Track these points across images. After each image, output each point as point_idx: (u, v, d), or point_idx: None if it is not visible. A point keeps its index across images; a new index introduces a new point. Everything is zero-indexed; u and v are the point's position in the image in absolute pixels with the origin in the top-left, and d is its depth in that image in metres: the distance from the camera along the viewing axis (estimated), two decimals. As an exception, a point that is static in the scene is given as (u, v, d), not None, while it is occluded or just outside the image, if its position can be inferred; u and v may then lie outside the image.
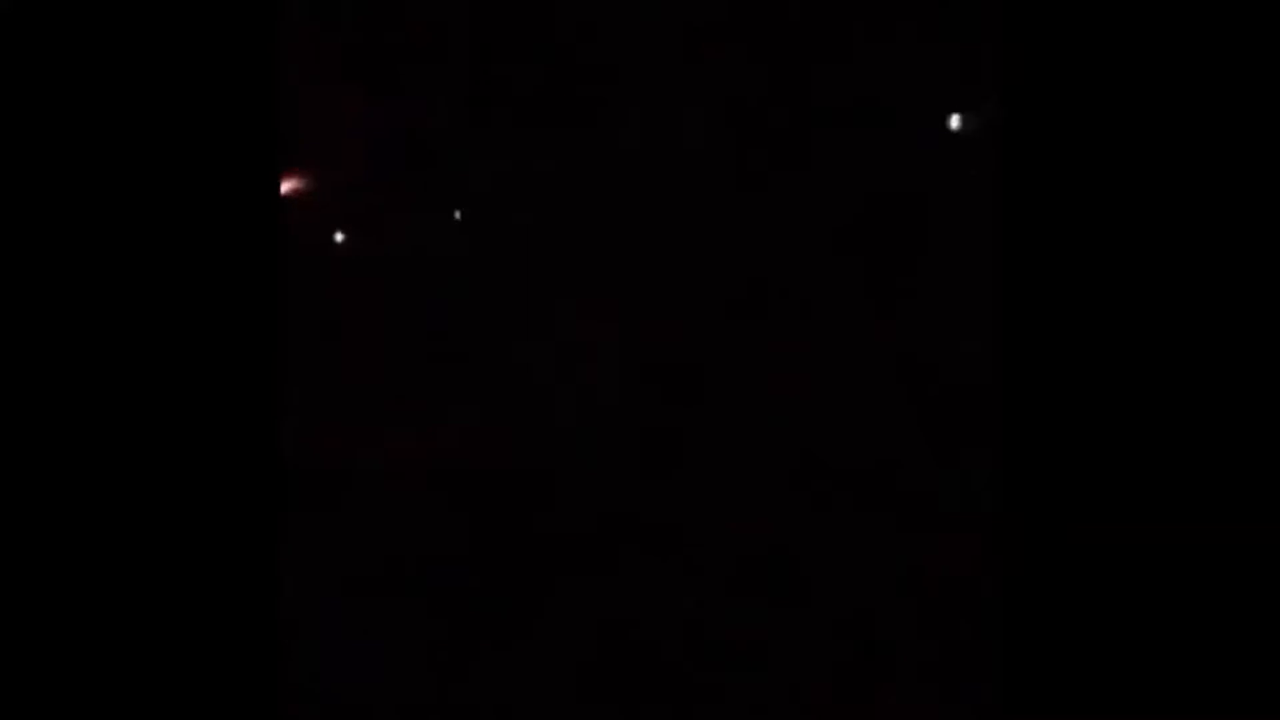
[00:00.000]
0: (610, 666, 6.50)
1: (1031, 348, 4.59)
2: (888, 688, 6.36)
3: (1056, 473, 4.56)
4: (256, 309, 4.67)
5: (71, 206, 4.59)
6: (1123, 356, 4.56)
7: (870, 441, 7.33)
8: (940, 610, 6.59)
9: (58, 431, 4.54)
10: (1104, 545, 4.54)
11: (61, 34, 4.59)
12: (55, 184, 4.59)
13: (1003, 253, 4.61)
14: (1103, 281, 4.56)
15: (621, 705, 6.29)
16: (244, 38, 4.66)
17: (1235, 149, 4.52)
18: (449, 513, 6.98)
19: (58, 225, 4.58)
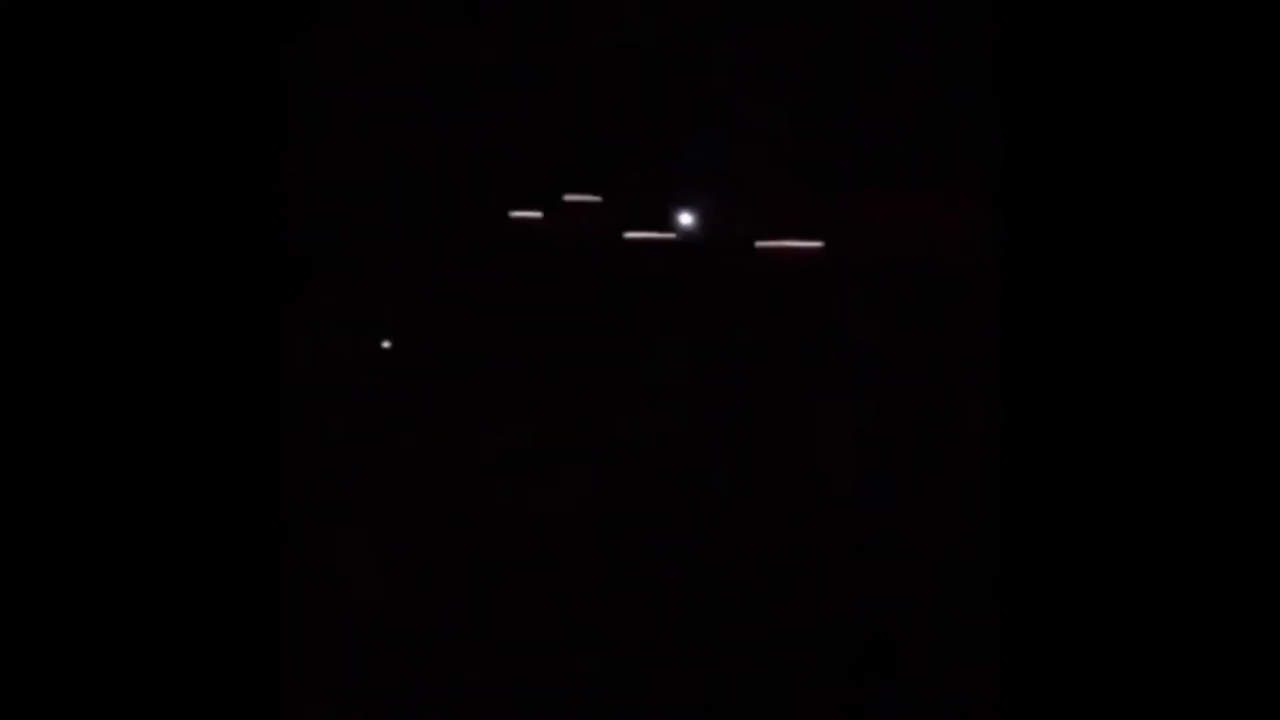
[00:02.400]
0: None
1: (1032, 350, 4.60)
2: (888, 689, 6.35)
3: (1056, 473, 4.56)
4: (256, 320, 4.68)
5: (71, 211, 4.59)
6: (1122, 357, 4.56)
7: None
8: (940, 611, 6.59)
9: (60, 440, 4.54)
10: (1104, 545, 4.54)
11: (61, 36, 4.60)
12: (53, 187, 4.59)
13: (1004, 236, 4.63)
14: (1104, 281, 4.57)
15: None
16: (242, 55, 4.68)
17: (1221, 152, 4.54)
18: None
19: (57, 228, 4.58)
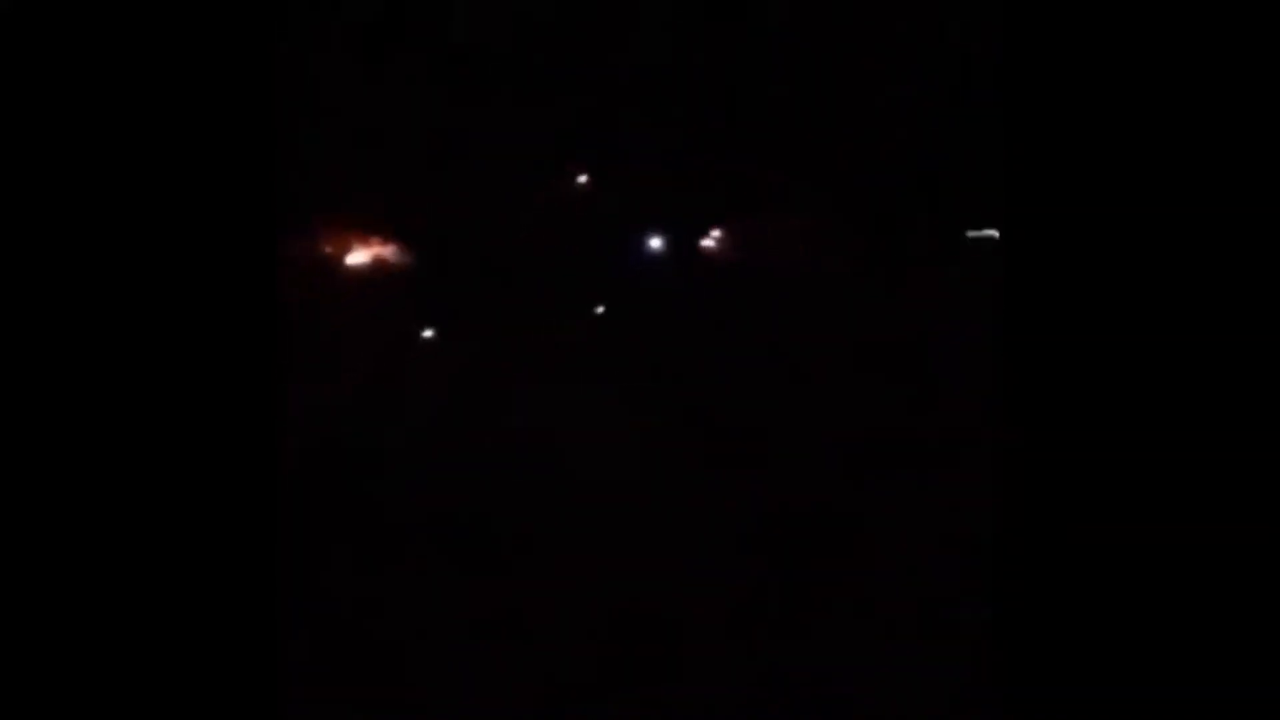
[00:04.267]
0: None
1: (1032, 351, 4.60)
2: (888, 688, 6.36)
3: (1056, 473, 4.57)
4: (256, 315, 4.68)
5: (69, 209, 4.60)
6: (1122, 357, 4.57)
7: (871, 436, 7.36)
8: (940, 611, 6.59)
9: (60, 439, 4.55)
10: (1104, 545, 4.54)
11: (61, 36, 4.60)
12: (53, 184, 4.60)
13: (1004, 235, 4.63)
14: (1104, 282, 4.57)
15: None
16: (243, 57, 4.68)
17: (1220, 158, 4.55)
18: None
19: (56, 225, 4.59)
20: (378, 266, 7.46)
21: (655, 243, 7.64)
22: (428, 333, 7.54)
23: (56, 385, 4.56)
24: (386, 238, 7.45)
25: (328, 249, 7.38)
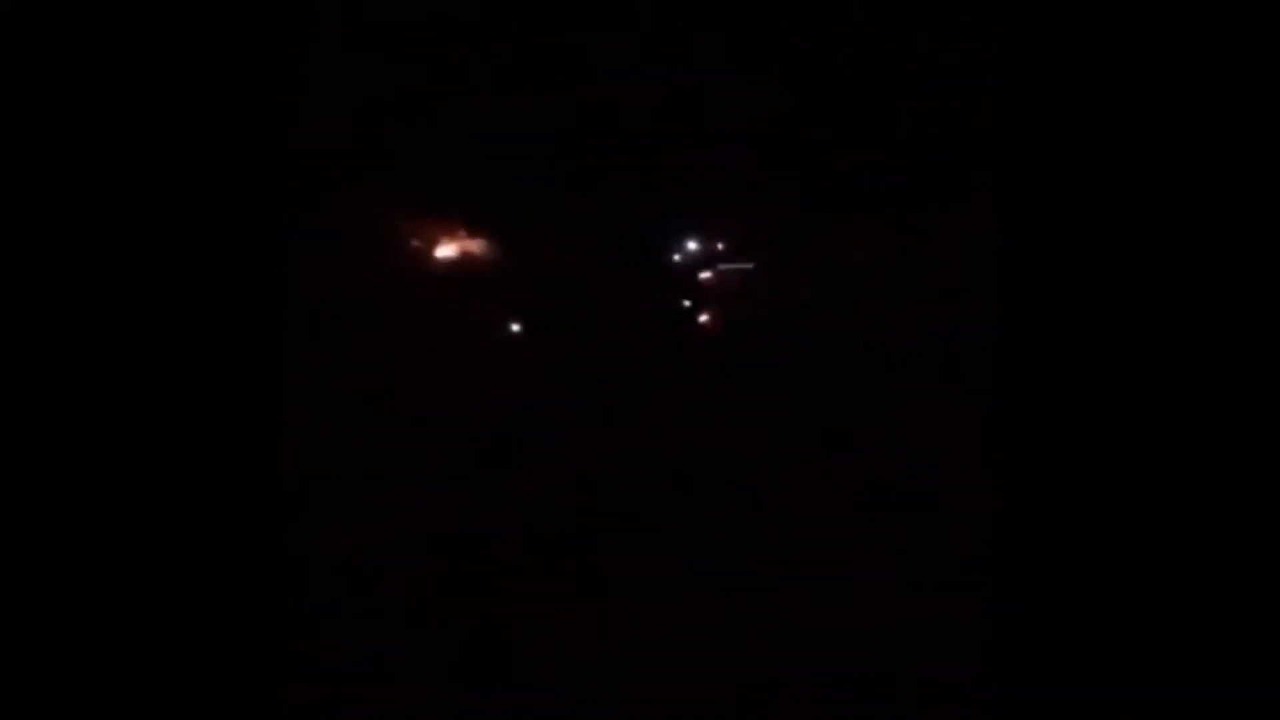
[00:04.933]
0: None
1: (1033, 352, 4.60)
2: (887, 689, 6.36)
3: (1056, 473, 4.57)
4: (255, 315, 4.69)
5: (68, 211, 4.60)
6: (1121, 357, 4.57)
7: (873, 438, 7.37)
8: (939, 611, 6.59)
9: (59, 436, 4.55)
10: (1104, 545, 4.55)
11: (61, 36, 4.60)
12: (51, 187, 4.60)
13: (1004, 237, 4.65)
14: (1105, 281, 4.57)
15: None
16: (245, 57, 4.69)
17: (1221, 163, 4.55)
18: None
19: (54, 229, 4.59)
20: (463, 259, 7.47)
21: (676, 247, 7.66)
22: (514, 327, 7.56)
23: (53, 383, 4.57)
24: (468, 233, 7.46)
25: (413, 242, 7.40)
